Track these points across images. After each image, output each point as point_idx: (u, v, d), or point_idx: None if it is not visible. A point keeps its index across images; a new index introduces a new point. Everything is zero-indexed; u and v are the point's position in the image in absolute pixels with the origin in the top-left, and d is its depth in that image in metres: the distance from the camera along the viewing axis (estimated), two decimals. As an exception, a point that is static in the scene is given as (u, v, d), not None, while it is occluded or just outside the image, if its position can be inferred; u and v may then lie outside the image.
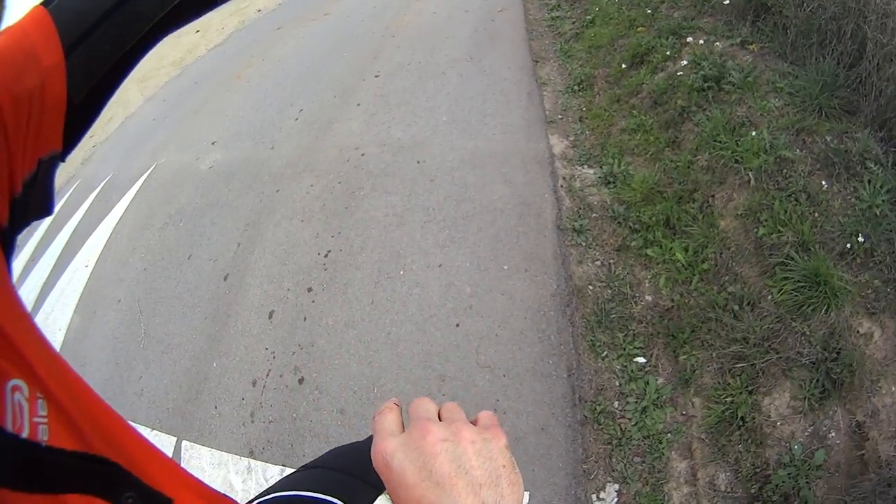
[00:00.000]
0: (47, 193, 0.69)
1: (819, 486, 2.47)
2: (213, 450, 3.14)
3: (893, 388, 2.57)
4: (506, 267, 3.60)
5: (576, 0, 9.19)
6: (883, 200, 3.00)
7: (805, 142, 3.57)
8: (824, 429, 2.59)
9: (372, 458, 0.57)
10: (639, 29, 6.25)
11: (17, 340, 0.53)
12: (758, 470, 2.58)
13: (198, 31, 15.18)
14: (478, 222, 4.02)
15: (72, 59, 0.65)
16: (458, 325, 3.26)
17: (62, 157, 0.69)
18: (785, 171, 3.41)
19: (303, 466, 1.26)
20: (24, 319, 0.58)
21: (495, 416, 0.63)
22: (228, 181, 5.69)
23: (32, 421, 0.52)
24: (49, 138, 0.65)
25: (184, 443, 3.27)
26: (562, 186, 4.26)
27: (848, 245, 2.92)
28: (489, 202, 4.20)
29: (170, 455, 3.12)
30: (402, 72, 7.11)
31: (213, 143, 6.64)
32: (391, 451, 0.56)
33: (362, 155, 5.25)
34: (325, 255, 4.06)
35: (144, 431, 3.31)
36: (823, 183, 3.25)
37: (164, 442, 3.31)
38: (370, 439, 0.66)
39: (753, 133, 3.68)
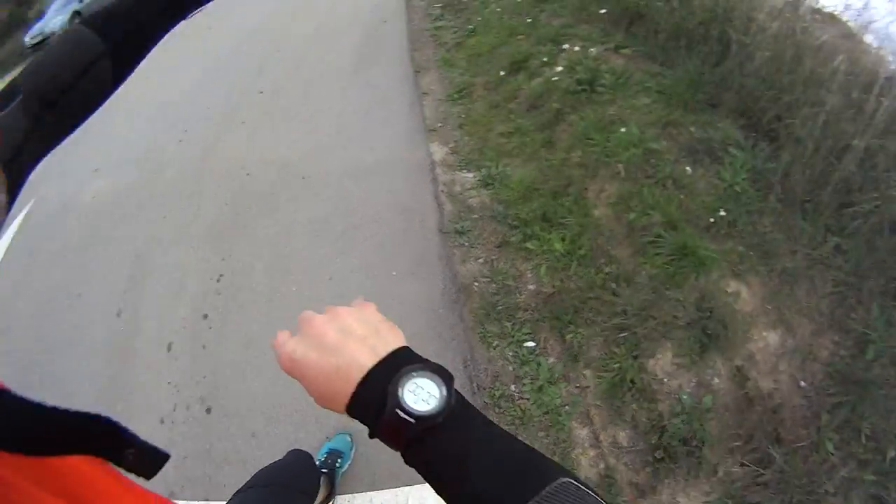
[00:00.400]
0: None
1: (712, 425, 2.70)
2: (130, 498, 2.98)
3: (764, 334, 2.88)
4: (394, 273, 3.65)
5: (459, 10, 9.34)
6: (743, 179, 3.36)
7: (672, 134, 3.85)
8: (708, 377, 2.84)
9: (282, 368, 0.67)
10: (518, 37, 6.41)
11: None
12: (654, 423, 2.76)
13: None
14: (364, 232, 4.05)
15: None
16: (352, 333, 3.24)
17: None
18: (653, 161, 3.68)
19: (236, 492, 1.31)
20: None
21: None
22: (113, 211, 5.45)
23: None
24: None
25: (98, 495, 3.09)
26: (442, 191, 4.35)
27: (712, 220, 3.24)
28: (374, 212, 4.24)
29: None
30: (287, 87, 7.11)
31: (95, 171, 6.37)
32: (291, 349, 0.67)
33: (248, 174, 5.20)
34: (218, 280, 3.98)
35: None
36: (688, 169, 3.55)
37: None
38: (292, 453, 0.84)
39: (623, 129, 3.93)
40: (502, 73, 5.75)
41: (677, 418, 2.71)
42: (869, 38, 3.96)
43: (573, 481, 0.53)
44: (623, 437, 2.78)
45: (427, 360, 0.63)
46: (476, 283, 3.50)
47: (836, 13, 4.39)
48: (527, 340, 3.21)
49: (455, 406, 0.59)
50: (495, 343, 3.22)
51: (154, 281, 4.23)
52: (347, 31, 9.20)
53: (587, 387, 2.99)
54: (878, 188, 3.01)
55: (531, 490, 0.51)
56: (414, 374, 0.59)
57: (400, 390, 0.58)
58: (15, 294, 4.94)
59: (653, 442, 2.71)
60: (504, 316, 3.34)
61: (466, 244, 3.80)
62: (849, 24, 4.14)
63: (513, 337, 3.23)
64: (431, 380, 0.59)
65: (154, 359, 3.61)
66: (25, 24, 27.31)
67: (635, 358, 2.96)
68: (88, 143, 7.08)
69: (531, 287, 3.42)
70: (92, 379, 3.69)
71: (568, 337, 3.15)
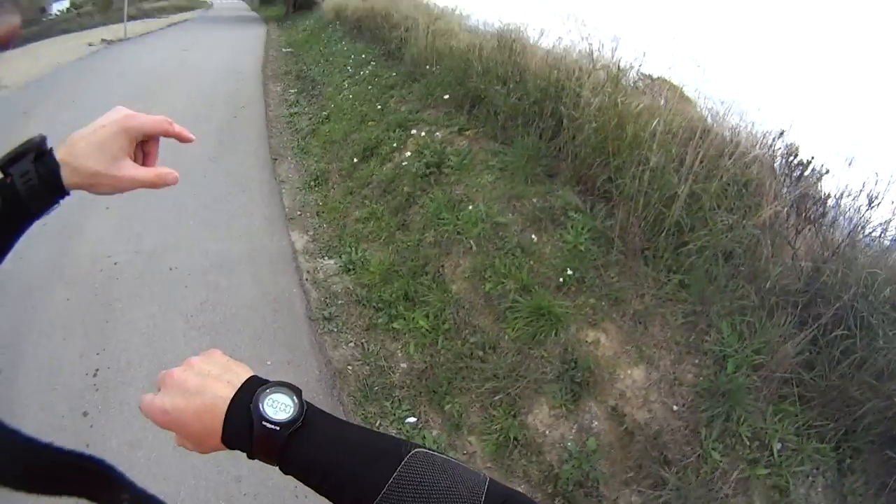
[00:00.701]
0: None
1: (602, 464, 2.91)
2: None
3: (629, 372, 3.15)
4: (269, 362, 3.64)
5: (313, 96, 9.57)
6: (585, 239, 3.66)
7: (516, 206, 4.14)
8: (587, 421, 3.06)
9: (157, 424, 0.70)
10: (370, 123, 6.66)
11: None
12: (546, 473, 2.94)
13: None
14: (236, 324, 4.01)
15: None
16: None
17: None
18: (501, 233, 3.95)
19: None
20: None
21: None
22: None
23: None
24: None
25: None
26: (307, 279, 4.44)
27: (561, 279, 3.51)
28: (243, 303, 4.22)
29: None
30: None
31: None
32: (159, 403, 0.70)
33: (115, 263, 4.97)
34: (94, 375, 3.73)
35: None
36: (534, 237, 3.84)
37: None
38: None
39: (471, 207, 4.21)
40: (355, 159, 5.98)
41: (567, 464, 2.88)
42: (693, 96, 4.52)
43: (423, 448, 0.64)
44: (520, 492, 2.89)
45: (276, 381, 0.71)
46: (350, 367, 3.56)
47: (663, 77, 4.97)
48: (408, 416, 3.30)
49: (309, 412, 0.69)
50: (377, 423, 3.28)
51: (27, 375, 3.87)
52: (208, 115, 9.21)
53: (474, 452, 3.11)
54: (707, 224, 3.42)
55: (391, 465, 0.62)
56: (269, 391, 0.68)
57: (261, 406, 0.66)
58: None
59: (549, 491, 2.86)
60: (382, 396, 3.41)
61: (335, 330, 3.87)
62: (675, 84, 4.65)
63: (394, 415, 3.31)
64: (284, 394, 0.68)
65: None
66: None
67: (514, 417, 3.12)
68: None
69: (403, 365, 3.52)
70: None
71: (447, 408, 3.28)
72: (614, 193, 3.82)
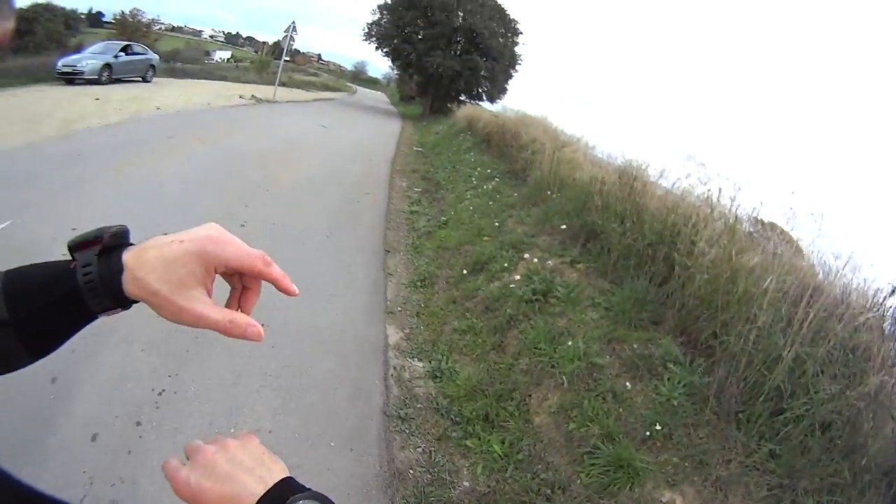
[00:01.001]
0: None
1: None
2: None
3: None
4: (333, 444, 3.59)
5: (435, 199, 9.85)
6: (679, 393, 3.51)
7: (615, 349, 4.06)
8: None
9: (179, 495, 0.68)
10: (485, 238, 6.78)
11: None
12: None
13: (97, 99, 14.88)
14: (311, 396, 4.02)
15: None
16: (282, 494, 3.12)
17: None
18: (595, 374, 3.85)
19: None
20: None
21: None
22: None
23: None
24: None
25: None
26: (392, 375, 4.44)
27: (648, 433, 3.34)
28: (324, 379, 4.25)
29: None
30: (266, 228, 7.25)
31: (73, 230, 6.08)
32: (184, 476, 0.68)
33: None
34: (160, 394, 3.81)
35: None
36: (628, 384, 3.71)
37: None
38: None
39: (570, 342, 4.13)
40: (465, 270, 6.07)
41: None
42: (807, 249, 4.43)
43: None
44: None
45: (310, 489, 0.69)
46: (412, 471, 3.48)
47: (775, 223, 4.90)
48: (456, 539, 3.17)
49: None
50: (423, 536, 3.17)
51: (97, 366, 3.98)
52: (333, 191, 9.69)
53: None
54: (808, 392, 3.22)
55: None
56: (302, 502, 0.66)
57: None
58: None
59: None
60: (435, 509, 3.32)
61: (407, 431, 3.82)
62: (788, 232, 4.57)
63: (442, 533, 3.19)
64: None
65: (75, 442, 3.34)
66: (63, 47, 28.33)
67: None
68: (76, 199, 7.07)
69: (466, 484, 3.41)
70: (5, 432, 3.39)
71: (500, 540, 3.13)
72: (717, 350, 3.70)
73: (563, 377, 3.87)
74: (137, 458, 3.28)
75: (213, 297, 0.71)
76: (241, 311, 0.77)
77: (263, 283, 0.76)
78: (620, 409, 3.55)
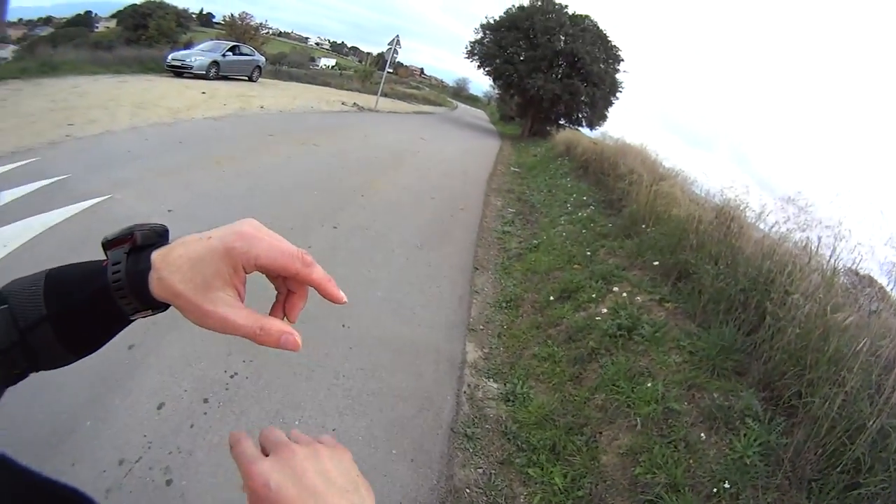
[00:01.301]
0: None
1: None
2: (55, 507, 2.76)
3: None
4: (394, 451, 3.62)
5: (529, 221, 9.85)
6: (754, 452, 3.31)
7: (694, 396, 3.91)
8: None
9: (247, 483, 0.61)
10: (575, 266, 6.74)
11: None
12: None
13: (204, 93, 15.88)
14: (380, 402, 4.07)
15: None
16: (335, 492, 3.14)
17: None
18: (670, 420, 3.72)
19: None
20: None
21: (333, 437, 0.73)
22: None
23: None
24: None
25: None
26: (465, 392, 4.45)
27: (715, 489, 3.17)
28: (396, 387, 4.29)
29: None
30: (359, 233, 7.41)
31: (169, 211, 6.52)
32: (265, 471, 0.60)
33: None
34: (231, 376, 3.96)
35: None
36: (703, 435, 3.55)
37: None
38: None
39: (650, 383, 4.01)
40: (552, 297, 6.02)
41: None
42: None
43: None
44: None
45: None
46: (468, 490, 3.47)
47: (873, 277, 4.66)
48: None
49: None
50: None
51: (174, 340, 4.19)
52: (427, 204, 9.87)
53: None
54: (888, 469, 2.99)
55: None
56: None
57: None
58: (53, 261, 4.81)
59: None
60: (484, 532, 3.26)
61: (471, 450, 3.81)
62: (885, 289, 4.33)
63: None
64: None
65: (142, 407, 3.52)
66: (174, 43, 30.41)
67: None
68: (176, 184, 7.48)
69: None
70: (78, 384, 3.57)
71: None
72: (800, 410, 3.49)
73: (638, 418, 3.76)
74: (198, 433, 3.39)
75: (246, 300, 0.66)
76: (287, 318, 0.74)
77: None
78: (691, 460, 3.40)
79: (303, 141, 12.38)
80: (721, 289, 4.86)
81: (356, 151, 13.27)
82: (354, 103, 25.60)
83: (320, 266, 0.69)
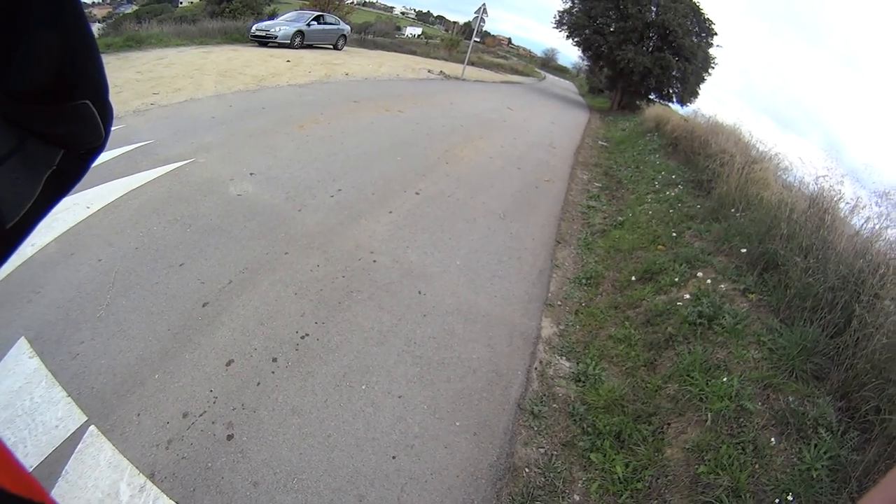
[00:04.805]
0: None
1: None
2: (116, 451, 2.91)
3: None
4: (458, 423, 3.64)
5: (614, 196, 9.70)
6: (822, 465, 3.15)
7: (769, 397, 3.74)
8: None
9: None
10: (659, 247, 6.60)
11: None
12: None
13: (288, 61, 16.41)
14: (449, 372, 4.09)
15: None
16: (394, 458, 3.22)
17: None
18: (741, 419, 3.57)
19: None
20: None
21: None
22: (248, 218, 5.67)
23: None
24: None
25: (91, 427, 3.01)
26: (536, 369, 4.42)
27: (777, 500, 3.03)
28: (467, 358, 4.31)
29: (68, 434, 2.91)
30: (441, 200, 7.47)
31: (251, 174, 6.71)
32: None
33: (374, 261, 5.41)
34: (302, 337, 4.05)
35: (59, 395, 3.14)
36: (773, 439, 3.40)
37: (72, 414, 3.06)
38: None
39: (725, 378, 3.86)
40: (633, 277, 5.91)
41: None
42: None
43: None
44: None
45: None
46: (527, 469, 3.45)
47: None
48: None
49: None
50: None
51: (248, 300, 4.33)
52: (513, 174, 9.85)
53: None
54: None
55: None
56: None
57: None
58: (134, 223, 5.13)
59: None
60: (537, 513, 3.28)
61: (535, 428, 3.80)
62: None
63: (537, 538, 3.16)
64: None
65: (210, 363, 3.65)
66: (258, 14, 31.54)
67: None
68: (258, 147, 7.73)
69: (577, 498, 3.32)
70: (150, 338, 3.75)
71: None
72: (876, 427, 3.29)
73: (709, 414, 3.63)
74: (264, 391, 3.51)
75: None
76: None
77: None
78: (757, 465, 3.25)
79: (387, 108, 12.52)
80: (809, 284, 4.63)
81: (441, 119, 13.31)
82: (441, 71, 25.73)
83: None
